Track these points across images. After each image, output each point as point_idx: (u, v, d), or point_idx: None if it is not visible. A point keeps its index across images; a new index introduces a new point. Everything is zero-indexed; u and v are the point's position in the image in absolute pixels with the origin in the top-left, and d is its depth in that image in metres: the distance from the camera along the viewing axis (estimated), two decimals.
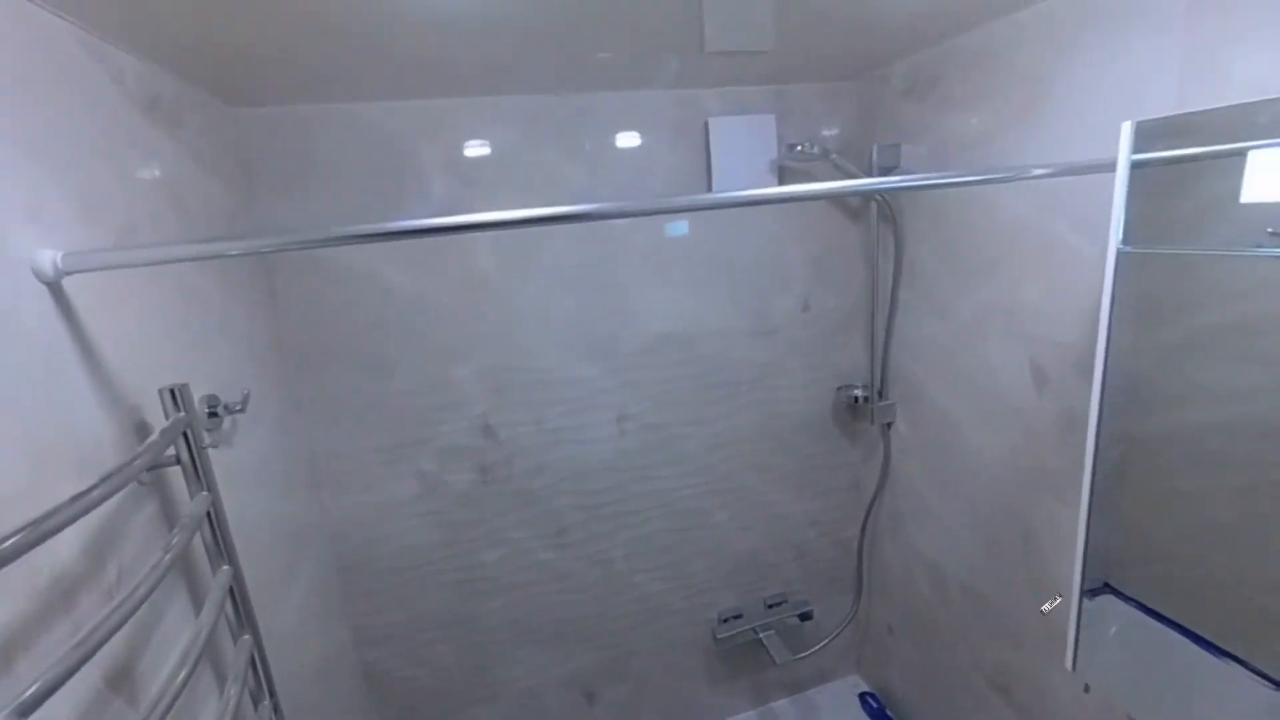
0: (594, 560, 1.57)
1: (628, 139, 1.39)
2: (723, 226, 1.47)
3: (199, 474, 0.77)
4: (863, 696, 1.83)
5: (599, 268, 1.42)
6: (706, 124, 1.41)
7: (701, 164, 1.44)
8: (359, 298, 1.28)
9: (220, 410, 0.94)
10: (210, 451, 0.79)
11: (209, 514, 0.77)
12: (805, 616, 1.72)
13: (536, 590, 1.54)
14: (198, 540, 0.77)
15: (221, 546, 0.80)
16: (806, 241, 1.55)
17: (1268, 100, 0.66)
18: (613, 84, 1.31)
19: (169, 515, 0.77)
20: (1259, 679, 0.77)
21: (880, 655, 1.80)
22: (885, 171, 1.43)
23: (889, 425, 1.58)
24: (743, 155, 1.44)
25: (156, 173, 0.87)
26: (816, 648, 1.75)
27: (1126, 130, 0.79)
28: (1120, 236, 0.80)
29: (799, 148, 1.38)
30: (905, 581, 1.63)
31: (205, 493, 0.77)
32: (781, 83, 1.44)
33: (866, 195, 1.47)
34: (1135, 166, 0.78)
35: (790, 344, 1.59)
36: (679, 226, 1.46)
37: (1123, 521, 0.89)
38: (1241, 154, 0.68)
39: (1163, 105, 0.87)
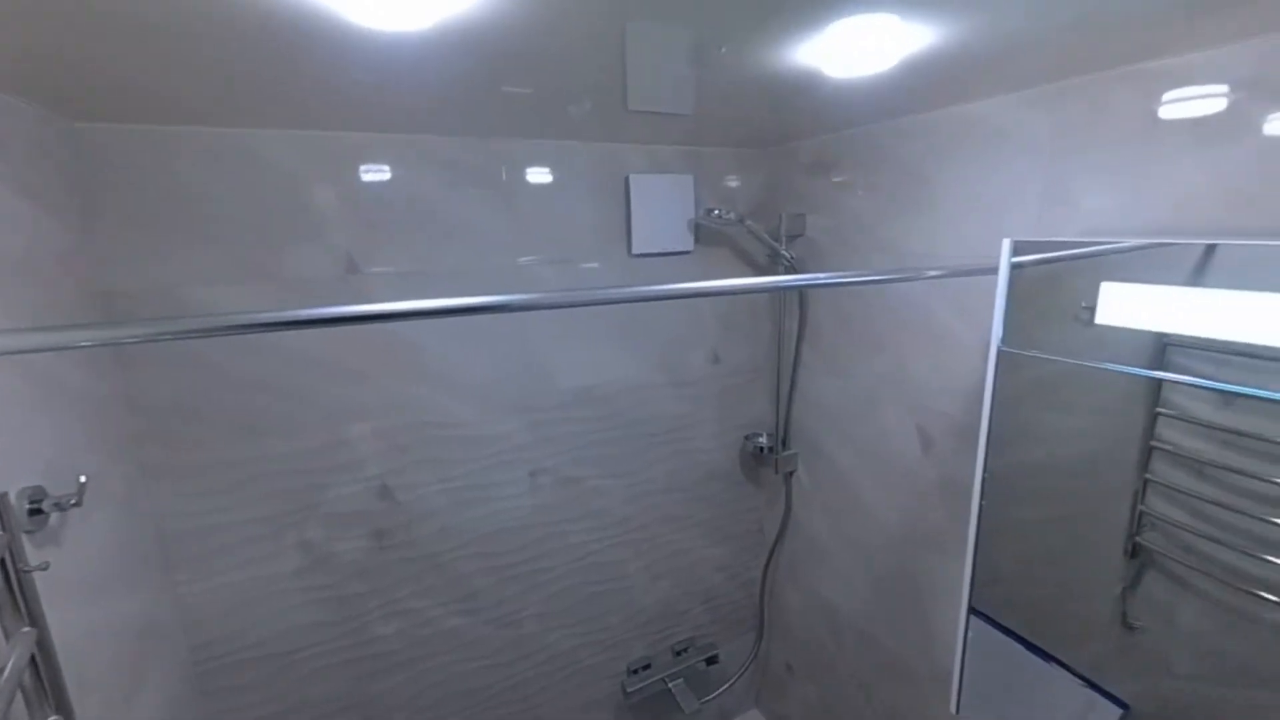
0: (504, 623, 1.48)
1: (548, 188, 1.35)
2: (637, 282, 1.48)
3: (19, 604, 0.62)
4: None
5: (514, 321, 1.36)
6: (628, 179, 1.42)
7: (621, 219, 1.44)
8: (234, 350, 1.12)
9: (47, 506, 0.77)
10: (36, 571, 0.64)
11: (34, 656, 0.62)
12: (711, 660, 1.75)
13: (440, 661, 1.43)
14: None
15: (49, 692, 0.64)
16: (716, 296, 1.60)
17: (1113, 242, 0.79)
18: (534, 132, 1.27)
19: None
20: (1075, 679, 0.92)
21: (779, 692, 1.88)
22: (792, 239, 1.52)
23: (791, 474, 1.67)
24: (662, 213, 1.46)
25: None
26: (721, 689, 1.79)
27: (1006, 246, 0.90)
28: (1000, 337, 0.92)
29: (715, 212, 1.43)
30: (804, 622, 1.73)
31: (28, 628, 0.62)
32: (698, 145, 1.48)
33: (773, 255, 1.55)
34: (1014, 268, 0.90)
35: (703, 396, 1.63)
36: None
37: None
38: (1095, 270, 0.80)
39: (1025, 221, 1.01)
